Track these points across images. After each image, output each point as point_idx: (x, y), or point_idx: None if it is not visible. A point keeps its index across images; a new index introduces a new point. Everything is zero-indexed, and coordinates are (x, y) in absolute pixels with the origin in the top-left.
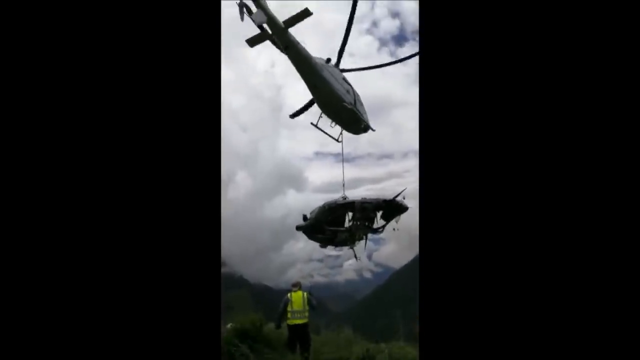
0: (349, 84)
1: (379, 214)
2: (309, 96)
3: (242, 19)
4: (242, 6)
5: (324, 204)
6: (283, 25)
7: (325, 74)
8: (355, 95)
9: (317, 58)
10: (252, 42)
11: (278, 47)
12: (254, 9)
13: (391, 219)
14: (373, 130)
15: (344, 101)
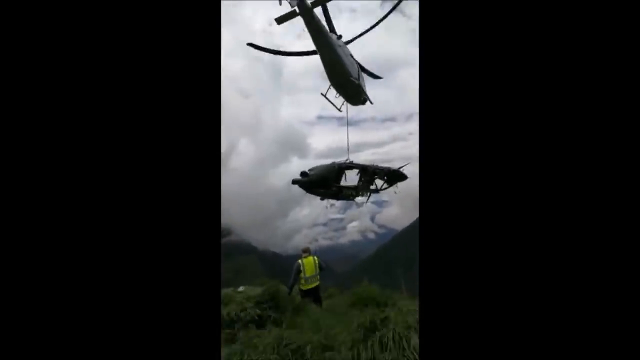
0: (355, 60)
1: (382, 179)
2: (308, 58)
3: (280, 3)
4: None
5: (334, 163)
6: (310, 5)
7: (339, 51)
8: (359, 70)
9: (332, 35)
10: (280, 20)
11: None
12: None
13: (392, 184)
14: (371, 103)
15: (351, 76)
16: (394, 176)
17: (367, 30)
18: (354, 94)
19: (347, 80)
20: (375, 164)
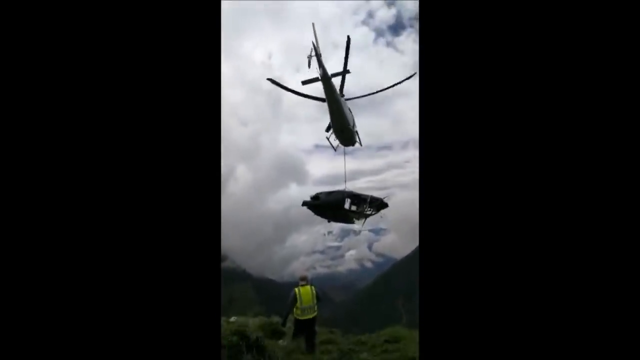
0: (350, 111)
1: (374, 207)
2: (308, 87)
3: (309, 66)
4: (310, 57)
5: (340, 191)
6: (329, 76)
7: (343, 106)
8: (353, 118)
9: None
10: (305, 82)
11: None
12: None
13: (378, 210)
14: (361, 145)
15: (349, 125)
16: (382, 205)
17: (377, 91)
18: (348, 137)
19: (346, 128)
20: (369, 193)
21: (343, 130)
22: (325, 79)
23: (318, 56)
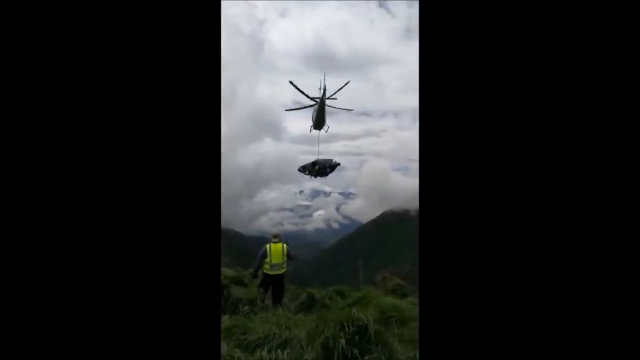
0: (325, 112)
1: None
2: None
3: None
4: (320, 89)
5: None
6: (325, 100)
7: (325, 113)
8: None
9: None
10: (312, 99)
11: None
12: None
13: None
14: (326, 132)
15: (324, 121)
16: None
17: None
18: (321, 126)
19: (321, 123)
20: (344, 157)
21: (319, 124)
22: (322, 102)
23: (324, 89)
